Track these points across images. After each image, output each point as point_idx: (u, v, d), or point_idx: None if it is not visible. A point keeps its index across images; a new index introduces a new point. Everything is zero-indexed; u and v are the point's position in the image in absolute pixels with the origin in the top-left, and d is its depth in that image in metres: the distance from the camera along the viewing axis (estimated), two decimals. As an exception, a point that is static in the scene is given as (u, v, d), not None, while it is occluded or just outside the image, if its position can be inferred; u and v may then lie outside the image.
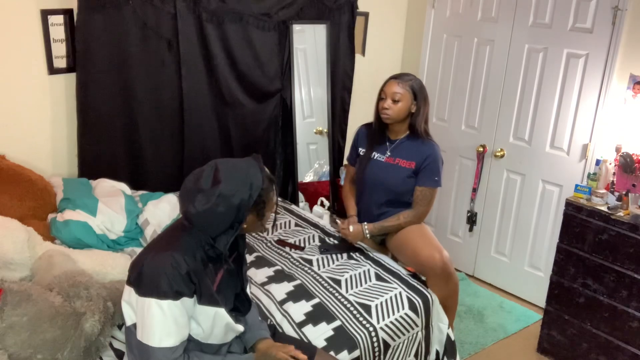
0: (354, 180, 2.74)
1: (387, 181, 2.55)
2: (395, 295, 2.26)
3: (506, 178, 3.42)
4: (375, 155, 2.60)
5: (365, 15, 3.65)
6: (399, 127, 2.56)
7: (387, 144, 2.59)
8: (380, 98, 2.53)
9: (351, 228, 2.56)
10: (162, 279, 1.47)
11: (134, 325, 1.55)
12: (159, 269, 1.48)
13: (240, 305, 1.75)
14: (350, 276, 2.37)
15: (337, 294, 2.23)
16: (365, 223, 2.57)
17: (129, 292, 1.56)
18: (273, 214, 1.69)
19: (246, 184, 1.52)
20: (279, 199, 3.21)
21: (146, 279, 1.49)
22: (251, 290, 2.00)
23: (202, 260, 1.56)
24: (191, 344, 1.62)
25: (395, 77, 2.51)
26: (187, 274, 1.50)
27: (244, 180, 1.53)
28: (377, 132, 2.61)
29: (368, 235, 2.56)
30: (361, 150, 2.67)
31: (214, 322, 1.60)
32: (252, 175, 1.55)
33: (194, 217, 1.51)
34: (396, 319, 2.16)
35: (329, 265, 2.46)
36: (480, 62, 3.42)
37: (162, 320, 1.47)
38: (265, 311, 2.09)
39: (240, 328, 1.70)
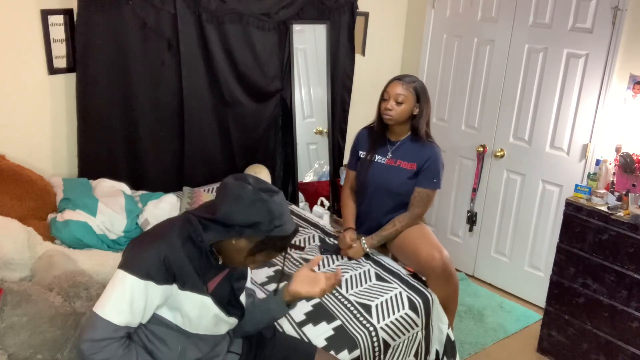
0: (353, 186, 2.72)
1: (389, 183, 2.54)
2: (396, 295, 2.26)
3: (506, 178, 3.42)
4: (376, 157, 2.59)
5: (365, 15, 3.65)
6: (400, 128, 2.55)
7: (388, 145, 2.59)
8: (383, 99, 2.51)
9: (350, 250, 2.53)
10: (137, 256, 1.45)
11: None
12: (140, 247, 1.47)
13: (232, 311, 1.69)
14: (351, 276, 2.37)
15: (337, 294, 2.23)
16: (363, 238, 2.55)
17: None
18: (258, 264, 1.61)
19: (272, 218, 1.48)
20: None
21: (126, 254, 1.49)
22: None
23: (189, 253, 1.51)
24: (182, 336, 1.58)
25: (398, 78, 2.50)
26: (165, 260, 1.46)
27: (274, 215, 1.49)
28: (378, 133, 2.60)
29: (368, 250, 2.55)
30: (361, 154, 2.66)
31: (201, 311, 1.56)
32: (284, 221, 1.51)
33: (226, 185, 1.50)
34: (396, 319, 2.16)
35: (329, 265, 2.46)
36: (480, 62, 3.42)
37: (119, 293, 1.43)
38: (266, 311, 2.09)
39: (233, 320, 1.66)
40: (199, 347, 1.63)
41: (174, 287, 1.50)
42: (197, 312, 1.56)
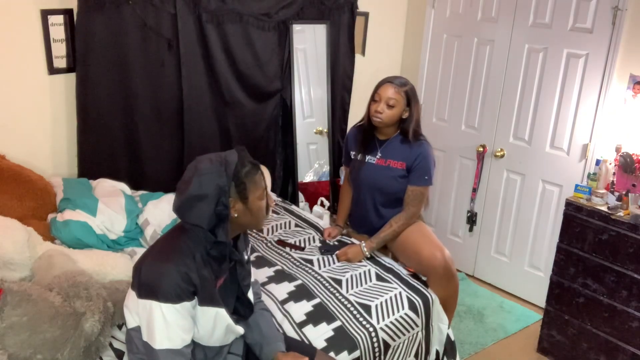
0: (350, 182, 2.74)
1: (380, 183, 2.54)
2: (396, 295, 2.26)
3: (506, 178, 3.42)
4: (367, 157, 2.59)
5: (365, 15, 3.65)
6: (388, 129, 2.54)
7: (377, 145, 2.58)
8: (374, 100, 2.49)
9: (349, 254, 2.51)
10: (162, 282, 1.46)
11: (136, 328, 1.55)
12: (158, 272, 1.48)
13: (241, 309, 1.74)
14: (351, 276, 2.37)
15: (337, 294, 2.23)
16: (363, 242, 2.54)
17: (130, 297, 1.57)
18: (264, 202, 1.62)
19: (221, 163, 1.53)
20: (279, 198, 3.21)
21: (146, 282, 1.49)
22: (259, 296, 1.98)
23: (203, 261, 1.54)
24: (192, 345, 1.61)
25: (390, 81, 2.46)
26: (187, 276, 1.49)
27: (220, 160, 1.53)
28: (367, 133, 2.60)
29: (368, 254, 2.53)
30: (352, 154, 2.66)
31: (215, 324, 1.60)
32: (227, 155, 1.55)
33: (179, 210, 1.52)
34: (396, 319, 2.16)
35: (329, 265, 2.46)
36: (480, 62, 3.42)
37: (162, 322, 1.47)
38: (266, 311, 2.09)
39: (240, 330, 1.69)
40: (206, 352, 1.66)
41: (195, 301, 1.54)
42: (212, 325, 1.59)
